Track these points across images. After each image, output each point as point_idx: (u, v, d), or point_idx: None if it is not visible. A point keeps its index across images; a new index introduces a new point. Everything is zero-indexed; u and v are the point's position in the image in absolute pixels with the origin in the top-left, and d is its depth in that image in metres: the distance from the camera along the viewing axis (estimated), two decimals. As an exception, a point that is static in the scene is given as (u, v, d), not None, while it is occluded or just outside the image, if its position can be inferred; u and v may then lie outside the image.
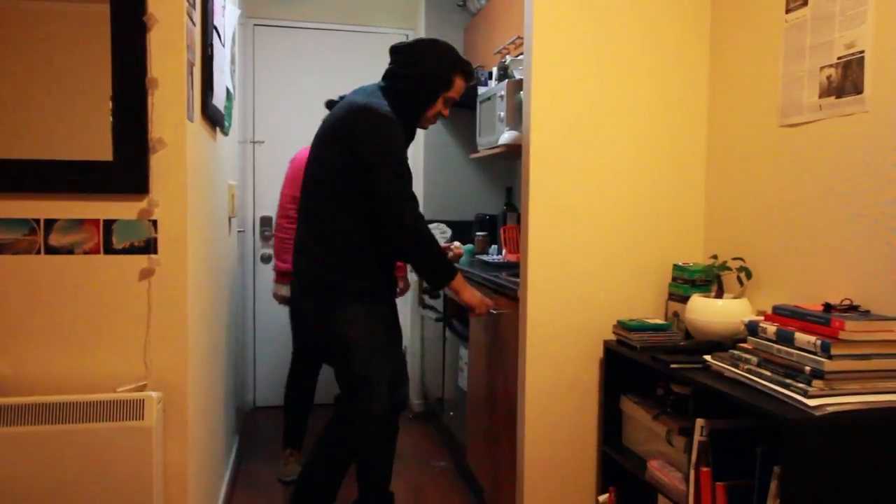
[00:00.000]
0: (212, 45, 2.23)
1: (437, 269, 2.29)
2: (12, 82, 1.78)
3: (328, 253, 2.29)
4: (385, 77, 2.39)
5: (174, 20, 1.82)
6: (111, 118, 1.80)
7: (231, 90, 2.93)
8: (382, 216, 2.22)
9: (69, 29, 1.80)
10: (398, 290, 3.06)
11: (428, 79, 2.33)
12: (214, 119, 2.37)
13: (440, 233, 4.21)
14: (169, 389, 1.86)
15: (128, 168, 1.81)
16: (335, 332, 2.30)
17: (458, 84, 2.37)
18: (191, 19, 1.94)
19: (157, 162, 1.83)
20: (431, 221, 4.29)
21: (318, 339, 2.41)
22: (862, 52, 1.67)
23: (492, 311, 2.48)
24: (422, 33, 4.31)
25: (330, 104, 3.07)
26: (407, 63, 2.33)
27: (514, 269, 2.97)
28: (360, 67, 4.32)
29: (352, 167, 2.21)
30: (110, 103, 1.80)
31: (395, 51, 2.39)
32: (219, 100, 2.42)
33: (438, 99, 2.36)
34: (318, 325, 2.34)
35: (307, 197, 2.37)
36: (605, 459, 2.24)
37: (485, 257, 3.46)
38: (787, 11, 1.92)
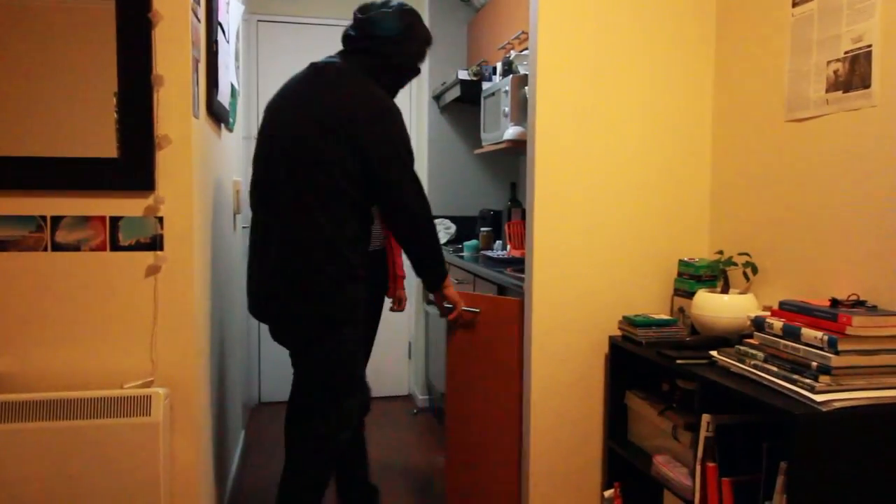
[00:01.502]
0: (216, 41, 2.23)
1: (437, 262, 2.23)
2: (17, 79, 1.78)
3: (313, 260, 2.03)
4: (367, 52, 2.16)
5: (179, 17, 1.82)
6: (116, 115, 1.81)
7: (235, 86, 2.93)
8: (395, 207, 2.09)
9: (73, 25, 1.80)
10: (398, 303, 2.83)
11: (414, 58, 2.24)
12: (219, 115, 2.37)
13: (444, 228, 4.22)
14: (175, 386, 1.87)
15: (134, 165, 1.81)
16: (323, 357, 2.11)
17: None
18: (196, 16, 1.94)
19: (162, 158, 1.84)
20: (436, 217, 4.29)
21: (302, 359, 2.18)
22: (869, 46, 1.66)
23: (467, 309, 2.45)
24: (426, 28, 4.30)
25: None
26: (391, 41, 2.16)
27: (519, 264, 2.97)
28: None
29: (354, 157, 2.03)
30: (115, 100, 1.81)
31: (374, 24, 2.15)
32: (223, 96, 2.42)
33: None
34: (304, 349, 2.14)
35: (276, 185, 2.06)
36: (610, 454, 2.25)
37: (489, 253, 3.46)
38: (794, 5, 1.91)
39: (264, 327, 4.29)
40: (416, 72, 2.28)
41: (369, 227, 2.20)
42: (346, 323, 2.10)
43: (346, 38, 2.21)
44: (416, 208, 2.12)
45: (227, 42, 2.53)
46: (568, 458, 2.29)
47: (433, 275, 2.25)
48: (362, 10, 2.20)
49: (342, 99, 2.05)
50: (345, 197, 2.04)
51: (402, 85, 2.27)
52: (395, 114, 2.12)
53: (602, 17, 2.23)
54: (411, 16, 2.21)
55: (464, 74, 3.72)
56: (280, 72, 4.29)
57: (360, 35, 2.17)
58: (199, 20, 2.00)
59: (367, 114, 2.06)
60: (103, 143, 1.81)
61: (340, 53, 2.21)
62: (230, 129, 2.85)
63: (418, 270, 2.23)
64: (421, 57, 2.26)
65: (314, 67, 2.15)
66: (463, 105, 4.21)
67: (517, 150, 3.43)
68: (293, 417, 2.23)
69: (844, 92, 1.74)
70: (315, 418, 2.16)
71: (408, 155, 2.12)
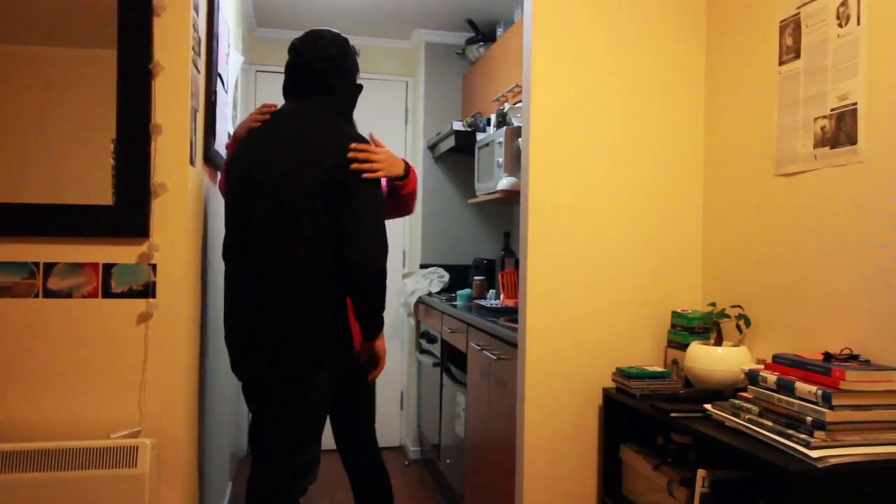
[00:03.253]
0: (215, 91, 2.27)
1: (380, 316, 2.13)
2: (14, 126, 1.80)
3: (302, 306, 1.98)
4: (322, 90, 2.09)
5: (180, 68, 1.85)
6: (113, 162, 1.82)
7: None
8: (360, 257, 1.97)
9: (73, 73, 1.83)
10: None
11: (355, 75, 2.22)
12: (216, 163, 2.40)
13: (438, 277, 4.22)
14: (163, 436, 1.84)
15: (129, 212, 1.82)
16: (298, 399, 2.02)
17: None
18: (196, 67, 1.98)
19: (158, 206, 1.85)
20: (430, 265, 4.30)
21: (275, 403, 2.05)
22: (855, 103, 1.70)
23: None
24: (421, 80, 4.38)
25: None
26: (338, 70, 2.11)
27: (513, 314, 2.96)
28: (361, 113, 4.36)
29: (339, 201, 1.96)
30: (112, 147, 1.82)
31: (324, 58, 2.09)
32: (220, 144, 2.45)
33: None
34: (282, 391, 2.02)
35: (259, 229, 1.97)
36: (604, 510, 2.21)
37: (483, 302, 3.46)
38: (781, 63, 1.96)
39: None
40: (360, 87, 2.25)
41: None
42: (324, 367, 2.04)
43: (298, 75, 2.12)
44: (380, 251, 2.03)
45: (226, 92, 2.57)
46: (562, 513, 2.25)
47: (375, 326, 2.14)
48: (298, 54, 2.11)
49: (333, 144, 1.99)
50: (326, 242, 1.97)
51: (354, 106, 2.24)
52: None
53: (594, 73, 2.28)
54: (338, 38, 2.15)
55: (458, 125, 3.78)
56: (277, 121, 4.34)
57: (310, 69, 2.09)
58: (198, 71, 2.04)
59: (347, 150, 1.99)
60: (99, 190, 1.82)
61: (296, 96, 2.13)
62: (226, 177, 2.87)
63: (366, 320, 2.12)
64: (357, 71, 2.23)
65: (283, 115, 2.10)
66: (457, 155, 4.26)
67: (511, 200, 3.46)
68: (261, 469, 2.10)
69: (832, 148, 1.77)
70: (280, 466, 2.05)
71: (381, 211, 2.06)
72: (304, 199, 1.94)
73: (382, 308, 2.13)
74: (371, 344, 2.17)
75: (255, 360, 2.05)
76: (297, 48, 2.11)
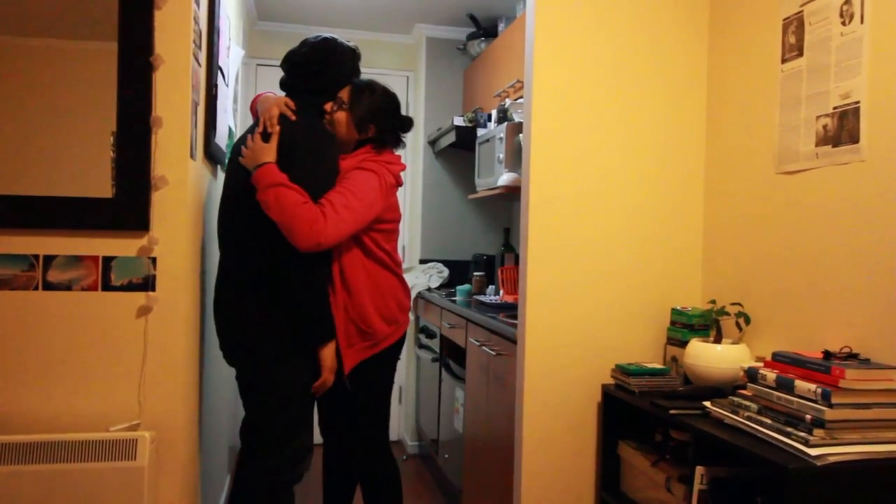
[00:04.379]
0: (216, 85, 2.26)
1: (328, 318, 2.08)
2: (14, 118, 1.79)
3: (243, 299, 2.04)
4: (310, 92, 2.16)
5: (180, 61, 1.85)
6: (113, 155, 1.82)
7: (233, 128, 2.96)
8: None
9: (72, 66, 1.82)
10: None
11: (351, 75, 2.24)
12: (216, 157, 2.39)
13: (437, 272, 4.22)
14: (162, 428, 1.84)
15: (129, 205, 1.81)
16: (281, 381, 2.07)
17: None
18: (196, 60, 1.97)
19: (158, 199, 1.84)
20: (429, 261, 4.30)
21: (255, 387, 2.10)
22: (857, 102, 1.70)
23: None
24: (422, 75, 4.38)
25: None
26: (326, 73, 2.17)
27: (512, 310, 2.97)
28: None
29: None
30: (112, 140, 1.82)
31: (302, 65, 2.16)
32: (221, 138, 2.44)
33: None
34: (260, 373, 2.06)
35: (225, 225, 2.10)
36: (602, 506, 2.21)
37: (482, 298, 3.46)
38: (783, 61, 1.96)
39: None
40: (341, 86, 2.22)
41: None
42: (280, 361, 2.04)
43: (284, 87, 2.19)
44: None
45: (227, 85, 2.57)
46: (559, 509, 2.25)
47: (323, 331, 2.08)
48: (286, 60, 2.19)
49: (288, 132, 2.00)
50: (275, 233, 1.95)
51: (327, 100, 2.21)
52: (331, 142, 2.10)
53: (596, 70, 2.27)
54: (328, 42, 2.19)
55: (459, 121, 3.77)
56: (277, 115, 4.34)
57: (296, 79, 2.16)
58: (199, 64, 2.03)
59: (307, 140, 2.02)
60: (99, 183, 1.82)
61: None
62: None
63: (309, 325, 2.07)
64: (357, 72, 2.26)
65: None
66: (457, 151, 4.25)
67: (511, 196, 3.46)
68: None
69: (833, 146, 1.77)
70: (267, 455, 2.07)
71: (328, 178, 2.06)
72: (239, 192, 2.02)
73: (311, 315, 2.03)
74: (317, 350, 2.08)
75: (225, 347, 2.11)
76: (287, 57, 2.19)
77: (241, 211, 2.02)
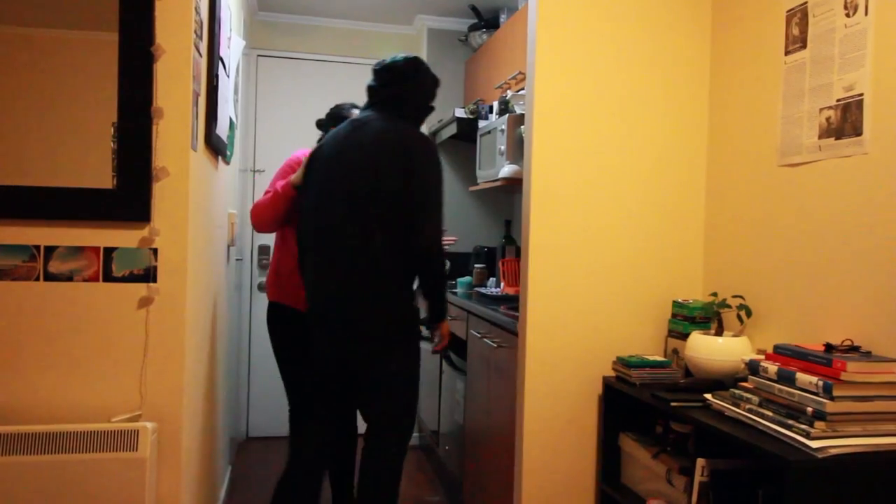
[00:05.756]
0: (217, 76, 2.25)
1: (444, 297, 2.40)
2: (15, 109, 1.79)
3: (385, 281, 2.22)
4: (394, 100, 2.35)
5: (181, 51, 1.84)
6: (113, 145, 1.81)
7: (234, 119, 2.95)
8: (427, 245, 2.23)
9: (73, 57, 1.81)
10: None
11: (430, 97, 2.43)
12: (217, 148, 2.38)
13: (438, 264, 4.21)
14: (163, 419, 1.84)
15: (130, 196, 1.81)
16: (403, 368, 2.35)
17: None
18: (197, 50, 1.96)
19: (159, 190, 1.84)
20: (430, 253, 4.29)
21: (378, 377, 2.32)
22: (861, 95, 1.69)
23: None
24: (423, 67, 4.35)
25: (322, 123, 2.88)
26: (411, 86, 2.37)
27: (513, 302, 2.97)
28: (362, 99, 4.35)
29: (408, 193, 2.18)
30: (113, 130, 1.81)
31: (395, 73, 2.38)
32: (222, 129, 2.44)
33: None
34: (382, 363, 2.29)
35: (341, 222, 2.21)
36: (603, 498, 2.22)
37: (483, 290, 3.46)
38: (787, 53, 1.95)
39: (255, 360, 4.25)
40: (432, 109, 2.45)
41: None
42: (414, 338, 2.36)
43: (372, 92, 2.39)
44: (439, 235, 2.28)
45: (228, 76, 2.56)
46: (560, 501, 2.25)
47: (441, 307, 2.42)
48: (379, 65, 2.41)
49: (396, 136, 2.23)
50: (398, 230, 2.20)
51: (422, 122, 2.44)
52: (436, 149, 2.34)
53: (598, 62, 2.26)
54: (419, 62, 2.41)
55: (460, 112, 3.76)
56: (278, 105, 4.33)
57: (384, 85, 2.37)
58: (200, 55, 2.02)
59: (420, 146, 2.24)
60: (100, 174, 1.81)
61: (371, 107, 2.38)
62: (227, 162, 2.86)
63: (433, 302, 2.39)
64: (434, 96, 2.44)
65: (357, 122, 2.33)
66: (459, 142, 4.24)
67: (512, 188, 3.45)
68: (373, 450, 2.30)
69: (837, 139, 1.77)
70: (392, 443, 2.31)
71: (441, 186, 2.31)
72: (384, 184, 2.18)
73: (443, 287, 2.36)
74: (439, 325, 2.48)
75: (352, 338, 2.25)
76: (381, 63, 2.42)
77: (397, 205, 2.18)
